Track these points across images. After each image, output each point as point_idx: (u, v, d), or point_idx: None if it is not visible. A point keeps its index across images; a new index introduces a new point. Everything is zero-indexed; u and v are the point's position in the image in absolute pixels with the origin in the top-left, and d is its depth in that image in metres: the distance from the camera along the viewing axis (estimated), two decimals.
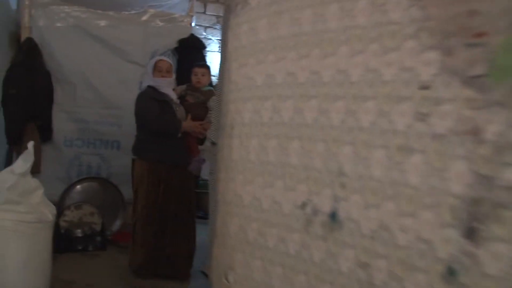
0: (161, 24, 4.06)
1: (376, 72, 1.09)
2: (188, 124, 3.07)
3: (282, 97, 1.34)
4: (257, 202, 1.39)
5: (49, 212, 2.18)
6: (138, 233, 3.03)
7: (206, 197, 5.86)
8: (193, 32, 4.21)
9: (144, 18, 4.03)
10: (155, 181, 3.01)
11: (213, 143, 2.66)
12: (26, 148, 2.23)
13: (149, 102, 3.01)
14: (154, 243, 3.00)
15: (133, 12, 4.07)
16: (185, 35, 4.08)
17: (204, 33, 5.82)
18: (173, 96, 3.12)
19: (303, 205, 1.25)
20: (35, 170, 3.56)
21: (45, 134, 3.68)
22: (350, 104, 1.14)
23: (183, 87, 3.27)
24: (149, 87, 3.10)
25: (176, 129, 3.03)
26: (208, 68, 3.32)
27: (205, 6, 6.06)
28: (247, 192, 1.43)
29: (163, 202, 3.01)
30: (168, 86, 3.11)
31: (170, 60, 3.33)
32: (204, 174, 5.91)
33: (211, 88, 3.29)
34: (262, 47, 1.43)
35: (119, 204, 3.87)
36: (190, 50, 4.09)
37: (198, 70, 3.24)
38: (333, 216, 1.17)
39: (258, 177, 1.39)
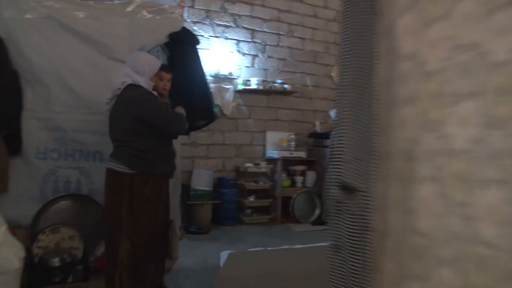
0: (148, 16, 3.61)
1: None
2: None
3: None
4: None
5: (15, 256, 1.63)
6: (135, 256, 2.62)
7: (199, 210, 5.40)
8: (185, 25, 3.72)
9: (129, 9, 3.57)
10: (155, 198, 2.66)
11: (347, 189, 1.34)
12: None
13: (160, 104, 2.69)
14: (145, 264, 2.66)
15: (116, 2, 3.58)
16: (176, 28, 3.63)
17: (195, 28, 5.32)
18: None
19: None
20: (1, 189, 3.05)
21: (13, 145, 3.14)
22: None
23: None
24: (139, 87, 2.62)
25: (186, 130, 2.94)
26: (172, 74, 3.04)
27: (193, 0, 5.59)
28: None
29: (161, 221, 2.73)
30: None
31: None
32: (195, 184, 5.41)
33: None
34: None
35: None
36: (183, 46, 3.60)
37: (165, 75, 2.93)
38: None
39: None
